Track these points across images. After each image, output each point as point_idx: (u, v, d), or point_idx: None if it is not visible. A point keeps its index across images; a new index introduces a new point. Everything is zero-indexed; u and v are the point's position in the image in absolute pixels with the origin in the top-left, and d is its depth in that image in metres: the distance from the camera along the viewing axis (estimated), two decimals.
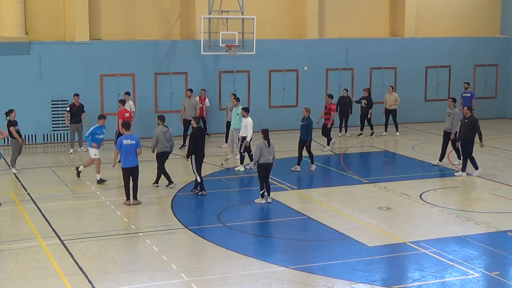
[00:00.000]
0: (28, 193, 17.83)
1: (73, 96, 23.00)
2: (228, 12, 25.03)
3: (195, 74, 26.02)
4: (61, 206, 16.70)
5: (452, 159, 21.58)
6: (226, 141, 23.34)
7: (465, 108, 20.08)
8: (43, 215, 15.87)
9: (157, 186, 18.47)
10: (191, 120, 18.70)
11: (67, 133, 24.30)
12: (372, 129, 26.21)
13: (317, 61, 27.75)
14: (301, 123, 20.35)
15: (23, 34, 23.74)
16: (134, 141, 16.59)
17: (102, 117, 19.09)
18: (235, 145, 21.85)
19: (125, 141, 16.55)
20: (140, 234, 14.71)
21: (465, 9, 30.67)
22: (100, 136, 18.90)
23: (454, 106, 21.08)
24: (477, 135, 19.71)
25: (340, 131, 26.24)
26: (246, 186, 19.01)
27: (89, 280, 12.04)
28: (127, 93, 23.30)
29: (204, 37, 24.32)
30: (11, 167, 20.18)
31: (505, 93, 31.10)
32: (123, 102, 22.08)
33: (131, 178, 16.67)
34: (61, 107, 24.30)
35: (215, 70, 26.40)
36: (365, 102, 26.02)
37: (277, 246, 14.34)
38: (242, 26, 24.86)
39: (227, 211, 16.43)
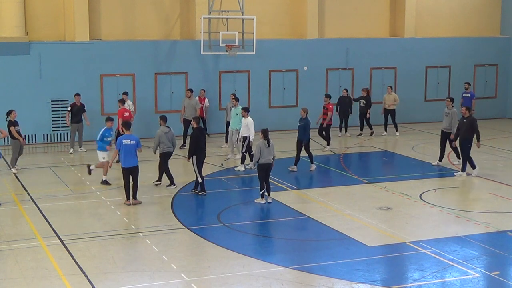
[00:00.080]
0: (28, 193, 17.84)
1: (74, 96, 23.00)
2: (228, 12, 25.03)
3: (195, 74, 26.02)
4: (61, 206, 16.71)
5: (452, 159, 21.58)
6: (226, 141, 23.34)
7: (463, 108, 20.08)
8: (43, 215, 15.87)
9: (160, 183, 18.52)
10: (191, 120, 18.69)
11: (67, 133, 24.30)
12: (371, 129, 26.22)
13: (317, 61, 27.75)
14: (298, 124, 20.36)
15: (23, 34, 23.74)
16: (134, 141, 16.58)
17: (109, 119, 18.97)
18: (234, 145, 21.86)
19: (124, 141, 16.54)
20: (140, 234, 14.71)
21: (465, 9, 30.67)
22: (109, 139, 18.82)
23: (452, 106, 21.10)
24: (475, 135, 19.72)
25: (340, 131, 26.25)
26: (246, 186, 19.01)
27: (89, 280, 12.04)
28: (125, 93, 23.31)
29: (204, 37, 24.32)
30: (11, 167, 20.19)
31: (505, 93, 31.10)
32: (122, 101, 22.09)
33: (131, 178, 16.67)
34: (61, 107, 24.31)
35: (215, 70, 26.40)
36: (364, 102, 26.03)
37: (277, 246, 14.34)
38: (242, 26, 24.86)
39: (227, 211, 16.44)
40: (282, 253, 13.75)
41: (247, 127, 20.35)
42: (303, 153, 20.45)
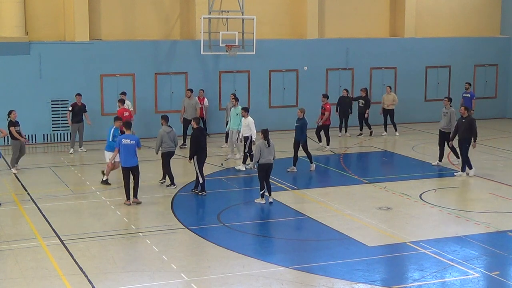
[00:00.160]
0: (28, 193, 17.83)
1: (76, 96, 22.98)
2: (228, 12, 25.03)
3: (195, 74, 26.02)
4: (61, 206, 16.70)
5: (452, 159, 21.57)
6: (226, 141, 23.34)
7: (462, 108, 20.07)
8: (43, 215, 15.87)
9: (164, 182, 18.57)
10: (191, 120, 18.69)
11: (67, 133, 24.31)
12: (370, 128, 26.21)
13: (317, 61, 27.75)
14: (296, 124, 20.34)
15: (23, 34, 23.74)
16: (134, 141, 16.58)
17: (118, 118, 18.88)
18: (234, 145, 21.86)
19: (124, 141, 16.54)
20: (140, 234, 14.71)
21: (465, 9, 30.67)
22: (116, 139, 18.75)
23: (450, 106, 21.11)
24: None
25: (340, 131, 26.25)
26: (246, 186, 19.01)
27: (89, 280, 12.04)
28: (123, 93, 23.29)
29: (204, 37, 24.32)
30: (11, 167, 20.19)
31: (505, 93, 31.10)
32: (122, 101, 22.11)
33: (132, 178, 16.68)
34: (61, 107, 24.31)
35: (215, 70, 26.40)
36: (363, 102, 26.03)
37: (277, 246, 14.34)
38: (242, 26, 24.86)
39: (227, 211, 16.43)
40: (282, 253, 13.75)
41: (248, 127, 20.36)
42: (302, 153, 20.45)
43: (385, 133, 26.49)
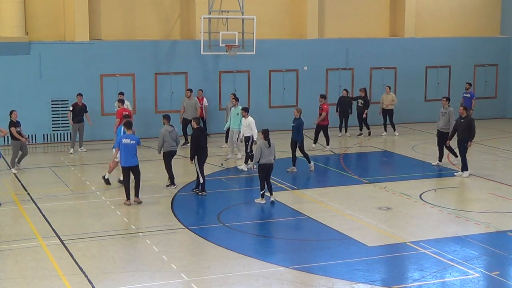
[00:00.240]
0: (28, 193, 17.84)
1: (77, 96, 22.97)
2: (228, 12, 25.03)
3: (195, 74, 26.02)
4: (61, 206, 16.71)
5: (452, 159, 21.56)
6: (226, 141, 23.35)
7: (461, 108, 20.06)
8: (43, 215, 15.87)
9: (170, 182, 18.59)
10: (191, 120, 18.70)
11: (67, 133, 24.31)
12: (368, 129, 26.21)
13: (317, 61, 27.75)
14: (292, 124, 20.33)
15: (23, 34, 23.74)
16: (134, 141, 16.58)
17: (128, 117, 18.88)
18: (235, 145, 21.87)
19: (124, 140, 16.54)
20: (140, 234, 14.71)
21: (465, 9, 30.67)
22: None
23: (449, 105, 21.12)
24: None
25: (340, 131, 26.25)
26: (246, 186, 19.00)
27: (89, 280, 12.04)
28: (121, 93, 23.27)
29: (204, 37, 24.32)
30: (11, 167, 20.19)
31: (505, 93, 31.10)
32: (122, 101, 22.11)
33: (132, 177, 16.68)
34: (61, 107, 24.31)
35: (215, 70, 26.40)
36: (362, 102, 26.03)
37: (277, 246, 14.34)
38: (242, 26, 24.86)
39: (227, 211, 16.43)
40: (282, 253, 13.76)
41: (249, 127, 20.36)
42: (298, 153, 20.43)
43: (384, 133, 26.49)
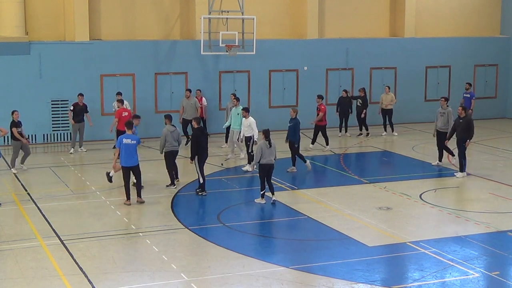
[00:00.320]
0: (28, 193, 17.84)
1: (78, 96, 22.96)
2: (228, 12, 25.02)
3: (195, 74, 26.03)
4: (61, 206, 16.71)
5: (451, 159, 21.55)
6: (226, 141, 23.35)
7: (460, 108, 20.06)
8: (43, 215, 15.87)
9: (178, 180, 18.62)
10: (191, 121, 18.70)
11: (67, 133, 24.32)
12: (367, 129, 26.20)
13: (317, 61, 27.75)
14: (288, 124, 20.29)
15: (23, 34, 23.74)
16: (135, 141, 16.58)
17: (136, 116, 18.83)
18: (235, 145, 21.87)
19: (125, 140, 16.55)
20: (140, 234, 14.71)
21: (465, 9, 30.68)
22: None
23: (447, 106, 21.12)
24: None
25: (340, 131, 26.25)
26: (246, 186, 19.00)
27: (89, 280, 12.04)
28: (119, 93, 23.25)
29: (204, 37, 24.32)
30: (11, 167, 20.19)
31: (505, 93, 31.10)
32: (121, 101, 22.13)
33: (133, 177, 16.68)
34: (61, 107, 24.31)
35: (215, 70, 26.40)
36: (360, 102, 26.03)
37: (277, 246, 14.34)
38: (242, 26, 24.86)
39: (227, 211, 16.44)
40: (282, 253, 13.76)
41: (250, 127, 20.35)
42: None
43: (384, 133, 26.49)
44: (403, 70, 29.15)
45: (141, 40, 25.64)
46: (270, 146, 16.88)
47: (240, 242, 14.28)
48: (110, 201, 17.10)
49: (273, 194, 17.01)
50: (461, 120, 19.70)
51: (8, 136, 21.36)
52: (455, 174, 19.98)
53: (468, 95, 26.72)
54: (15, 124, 20.06)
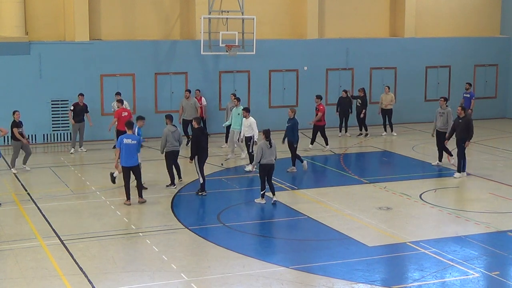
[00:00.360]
0: (28, 193, 17.84)
1: (78, 95, 22.96)
2: (228, 12, 25.03)
3: (195, 74, 26.03)
4: (61, 206, 16.71)
5: (451, 159, 21.55)
6: (226, 141, 23.36)
7: (459, 108, 20.06)
8: (43, 215, 15.87)
9: (181, 180, 18.64)
10: (191, 121, 18.70)
11: (67, 133, 24.32)
12: (366, 130, 26.18)
13: (317, 61, 27.75)
14: (287, 124, 20.27)
15: (23, 34, 23.74)
16: (135, 141, 16.58)
17: (140, 118, 18.74)
18: (235, 145, 21.87)
19: (125, 140, 16.55)
20: (140, 234, 14.71)
21: (465, 9, 30.68)
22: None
23: (447, 106, 21.12)
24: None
25: (340, 131, 26.25)
26: (246, 186, 19.00)
27: (89, 280, 12.04)
28: (118, 93, 23.24)
29: (204, 37, 24.32)
30: (11, 167, 20.19)
31: (505, 93, 31.10)
32: (121, 101, 22.13)
33: (133, 177, 16.68)
34: (61, 107, 24.32)
35: (215, 70, 26.40)
36: (360, 101, 26.03)
37: (277, 246, 14.34)
38: (242, 26, 24.86)
39: (227, 211, 16.44)
40: (282, 253, 13.76)
41: (250, 127, 20.35)
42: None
43: (384, 133, 26.49)
44: (403, 70, 29.15)
45: (141, 40, 25.64)
46: (271, 146, 16.88)
47: (240, 242, 14.28)
48: (110, 201, 17.10)
49: (274, 194, 17.00)
50: (460, 120, 19.70)
51: (8, 136, 21.37)
52: (455, 174, 19.97)
53: (468, 95, 26.72)
54: (16, 124, 20.06)
